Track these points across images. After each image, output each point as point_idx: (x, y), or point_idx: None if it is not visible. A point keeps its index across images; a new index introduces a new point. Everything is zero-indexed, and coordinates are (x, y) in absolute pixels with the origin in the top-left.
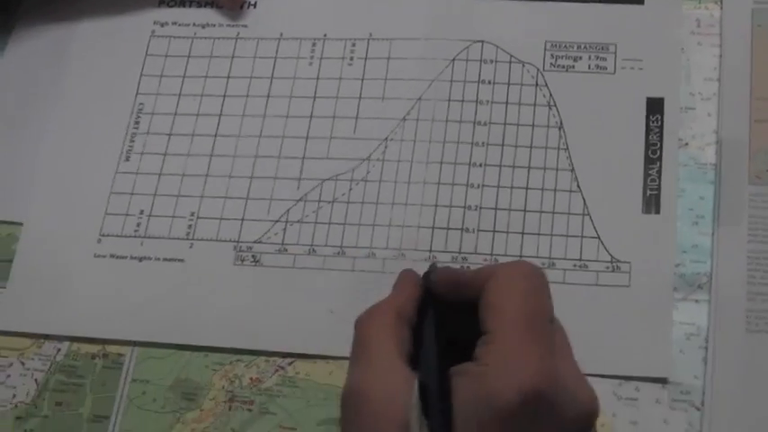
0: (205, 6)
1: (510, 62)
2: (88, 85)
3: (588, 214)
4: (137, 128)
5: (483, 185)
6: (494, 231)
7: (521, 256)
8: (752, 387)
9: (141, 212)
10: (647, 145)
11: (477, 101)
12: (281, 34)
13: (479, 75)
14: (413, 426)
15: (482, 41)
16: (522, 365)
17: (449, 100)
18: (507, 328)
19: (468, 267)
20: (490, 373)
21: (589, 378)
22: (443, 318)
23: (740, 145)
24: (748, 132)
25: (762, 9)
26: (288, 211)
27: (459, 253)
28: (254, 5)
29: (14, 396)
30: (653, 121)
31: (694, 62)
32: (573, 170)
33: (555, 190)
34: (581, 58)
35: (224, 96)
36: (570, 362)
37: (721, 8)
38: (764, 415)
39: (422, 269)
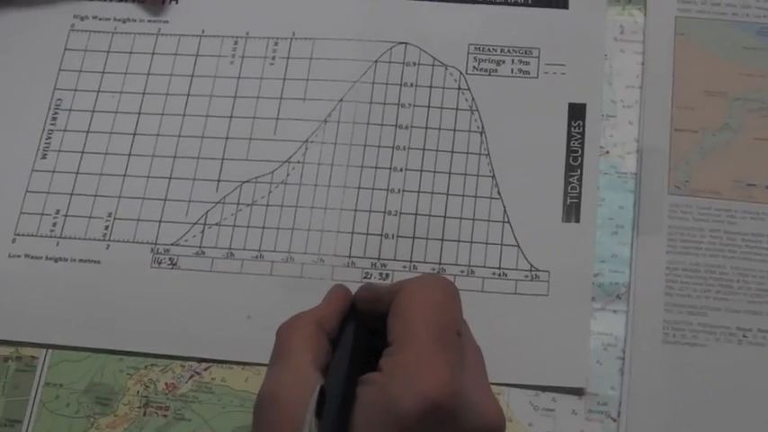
0: (126, 1)
1: (433, 65)
2: (3, 79)
3: (508, 222)
4: (54, 124)
5: (403, 190)
6: (413, 238)
7: (440, 263)
8: (668, 399)
9: (57, 212)
10: (569, 152)
11: (399, 104)
12: (203, 31)
13: (402, 77)
14: (304, 427)
15: (405, 43)
16: (423, 376)
17: (370, 102)
18: (412, 339)
19: (387, 275)
20: (393, 382)
21: (506, 387)
22: (367, 332)
23: (660, 154)
24: (669, 141)
25: (685, 17)
26: (206, 213)
27: (379, 259)
28: (177, 1)
29: None
30: (574, 128)
31: (617, 69)
32: (494, 176)
33: (475, 196)
34: (504, 61)
35: (143, 94)
36: (478, 375)
37: (645, 15)
38: (680, 427)
39: (342, 274)
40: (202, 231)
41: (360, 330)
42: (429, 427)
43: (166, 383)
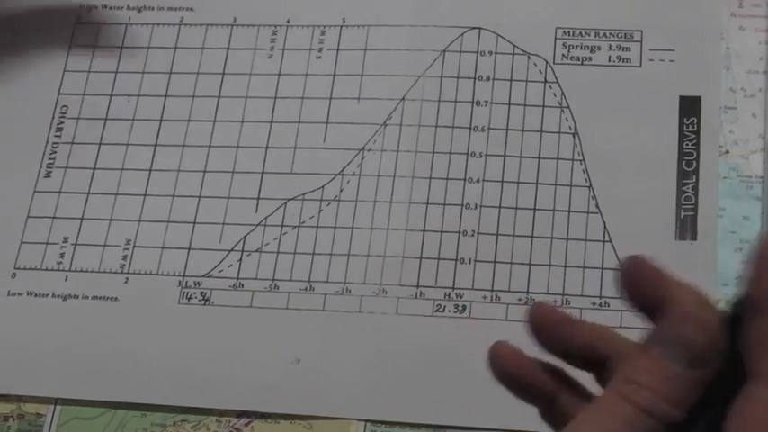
0: None
1: (513, 54)
2: (0, 82)
3: (610, 240)
4: (59, 136)
5: (481, 206)
6: (494, 262)
7: (528, 292)
8: None
9: (65, 240)
10: (681, 155)
11: (473, 101)
12: (235, 20)
13: (476, 69)
14: None
15: (479, 28)
16: None
17: (439, 100)
18: None
19: (463, 307)
20: None
21: None
22: None
23: None
24: None
25: None
26: (244, 238)
27: (453, 288)
28: None
29: None
30: (687, 125)
31: (736, 51)
32: (590, 186)
33: (569, 211)
34: (599, 48)
35: (165, 97)
36: None
37: None
38: None
39: (408, 307)
40: (240, 260)
41: None
42: None
43: None
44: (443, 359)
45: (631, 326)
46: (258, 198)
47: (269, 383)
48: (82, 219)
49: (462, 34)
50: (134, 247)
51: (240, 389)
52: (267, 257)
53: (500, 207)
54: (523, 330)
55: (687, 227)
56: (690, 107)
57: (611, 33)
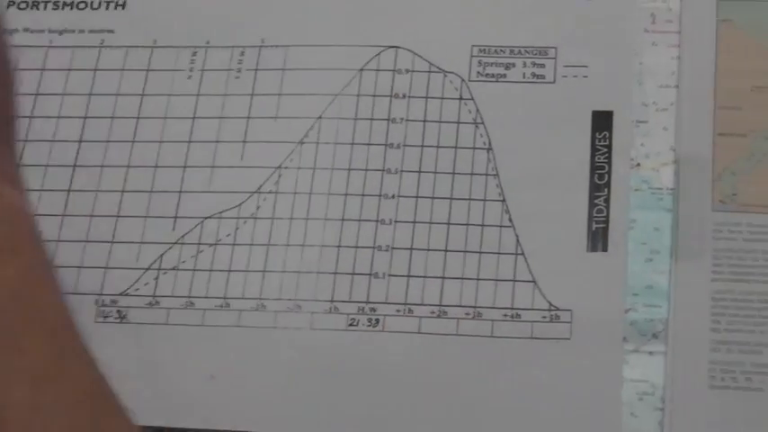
0: (63, 8)
1: (429, 71)
2: None
3: (522, 253)
4: None
5: (395, 221)
6: (408, 276)
7: (441, 305)
8: None
9: None
10: (593, 168)
11: (389, 119)
12: (155, 41)
13: (392, 87)
14: None
15: (396, 47)
16: None
17: (355, 118)
18: None
19: (377, 320)
20: None
21: None
22: None
23: (702, 164)
24: (711, 149)
25: (729, 0)
26: (161, 256)
27: (367, 303)
28: (123, 6)
29: None
30: (599, 140)
31: (648, 66)
32: (504, 201)
33: (482, 225)
34: (514, 65)
35: (84, 118)
36: None
37: None
38: None
39: (323, 322)
40: (156, 278)
41: None
42: None
43: None
44: (358, 373)
45: (543, 336)
46: (176, 217)
47: (184, 399)
48: None
49: (379, 53)
50: None
51: (155, 405)
52: (183, 275)
53: (414, 222)
54: (435, 342)
55: (598, 239)
56: (602, 121)
57: (525, 50)
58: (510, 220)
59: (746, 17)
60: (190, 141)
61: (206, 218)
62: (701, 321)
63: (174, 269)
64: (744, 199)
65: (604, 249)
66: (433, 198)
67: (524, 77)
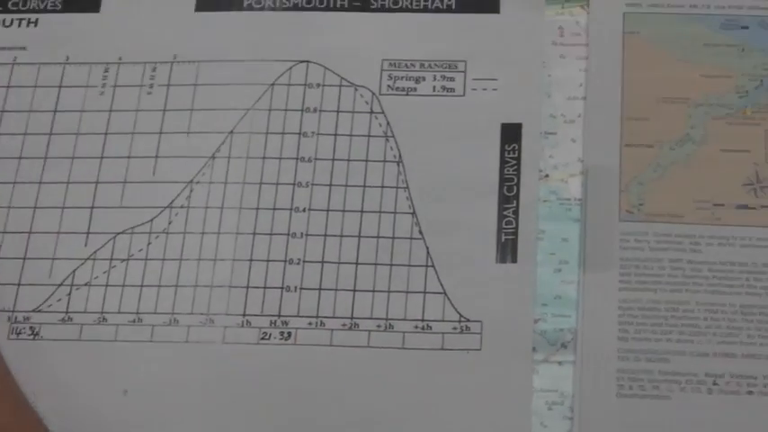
0: None
1: (340, 86)
2: None
3: (432, 265)
4: None
5: (307, 234)
6: (320, 289)
7: (352, 318)
8: None
9: None
10: (502, 180)
11: (300, 132)
12: (68, 58)
13: (303, 101)
14: None
15: (307, 62)
16: None
17: (267, 132)
18: None
19: (289, 334)
20: None
21: None
22: None
23: (609, 174)
24: (619, 159)
25: (635, 13)
26: (74, 272)
27: (279, 316)
28: (35, 23)
29: None
30: (509, 152)
31: (556, 78)
32: (414, 213)
33: (393, 237)
34: (424, 78)
35: None
36: None
37: (588, 13)
38: None
39: (235, 336)
40: (69, 294)
41: None
42: None
43: None
44: (270, 385)
45: (454, 347)
46: (88, 232)
47: (97, 415)
48: None
49: (291, 68)
50: None
51: (69, 420)
52: (96, 291)
53: (325, 235)
54: (347, 354)
55: (508, 250)
56: (511, 134)
57: (435, 64)
58: (420, 232)
59: (652, 29)
60: (102, 157)
61: (118, 233)
62: (609, 330)
63: (86, 285)
64: (650, 209)
65: (513, 260)
66: (344, 211)
67: (434, 91)
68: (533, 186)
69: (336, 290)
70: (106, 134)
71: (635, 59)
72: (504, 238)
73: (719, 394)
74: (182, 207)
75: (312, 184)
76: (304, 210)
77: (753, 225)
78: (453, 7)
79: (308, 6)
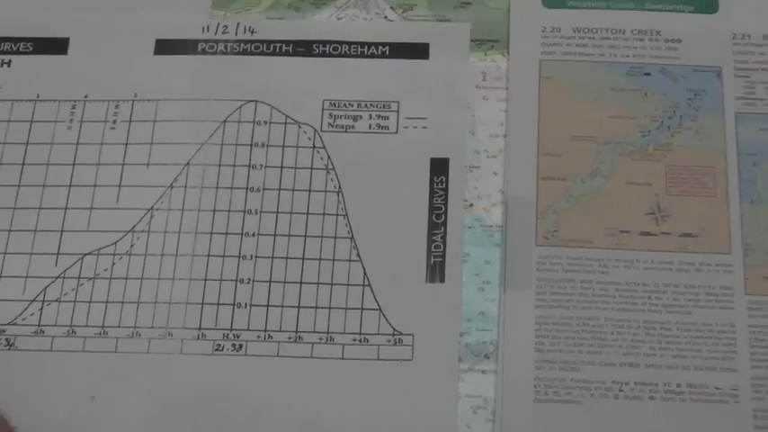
0: None
1: (285, 123)
2: None
3: (369, 285)
4: None
5: (256, 257)
6: (268, 306)
7: (297, 331)
8: None
9: None
10: (431, 209)
11: (249, 165)
12: (38, 95)
13: (252, 137)
14: None
15: (255, 101)
16: None
17: (219, 165)
18: None
19: (240, 346)
20: None
21: None
22: None
23: (527, 204)
24: (536, 191)
25: (550, 60)
26: (45, 289)
27: (231, 330)
28: (8, 64)
29: None
30: (437, 183)
31: (480, 117)
32: (352, 238)
33: (333, 260)
34: (361, 117)
35: None
36: None
37: (508, 59)
38: None
39: (191, 348)
40: (41, 309)
41: None
42: None
43: None
44: (223, 393)
45: (388, 358)
46: (58, 253)
47: (66, 419)
48: None
49: (240, 107)
50: None
51: (41, 424)
52: (65, 306)
53: (273, 257)
54: (292, 364)
55: (436, 271)
56: (439, 167)
57: (371, 104)
58: (358, 255)
59: (565, 75)
60: (70, 185)
61: (85, 254)
62: (527, 343)
63: (57, 301)
64: (564, 235)
65: (442, 280)
66: (289, 236)
67: (370, 128)
68: (459, 214)
69: (283, 306)
70: (74, 165)
71: (550, 102)
72: (433, 260)
73: (625, 400)
74: (143, 231)
75: (261, 212)
76: (253, 234)
77: (654, 250)
78: (387, 54)
79: (257, 51)
